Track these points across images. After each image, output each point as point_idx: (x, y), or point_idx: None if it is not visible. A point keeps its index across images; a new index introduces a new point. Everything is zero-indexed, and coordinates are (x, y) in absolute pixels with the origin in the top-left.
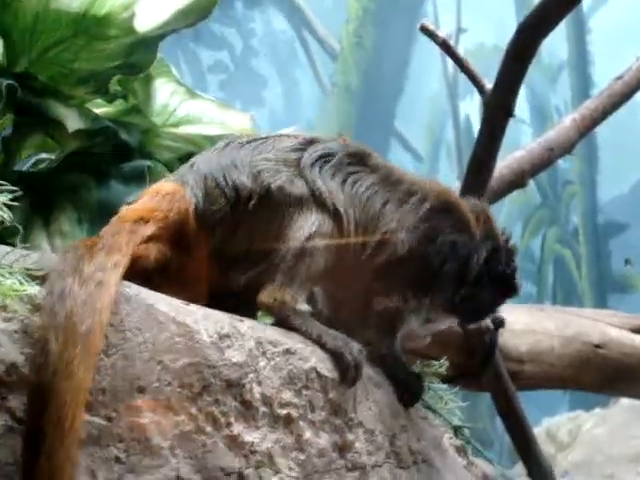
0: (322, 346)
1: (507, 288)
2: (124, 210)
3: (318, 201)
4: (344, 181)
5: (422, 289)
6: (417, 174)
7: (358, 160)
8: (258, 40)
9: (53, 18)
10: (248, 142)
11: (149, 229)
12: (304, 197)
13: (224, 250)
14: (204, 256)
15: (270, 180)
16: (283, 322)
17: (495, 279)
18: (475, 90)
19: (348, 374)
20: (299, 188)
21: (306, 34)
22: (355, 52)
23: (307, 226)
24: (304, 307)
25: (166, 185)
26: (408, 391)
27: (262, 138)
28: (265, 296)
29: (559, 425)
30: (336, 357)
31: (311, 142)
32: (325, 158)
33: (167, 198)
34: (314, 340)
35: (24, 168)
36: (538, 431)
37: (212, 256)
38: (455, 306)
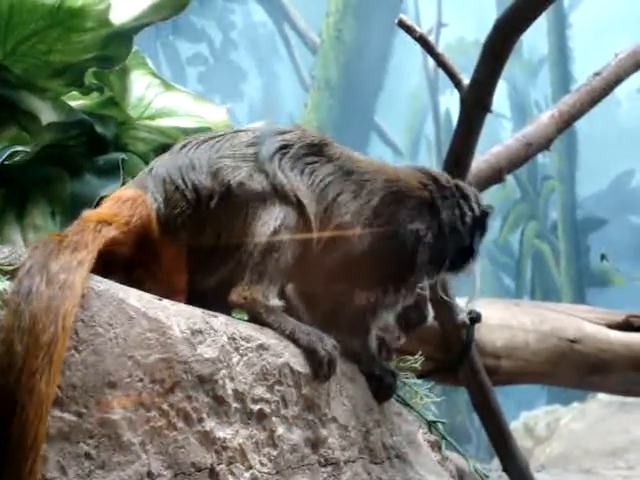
0: (295, 342)
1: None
2: (86, 213)
3: (280, 194)
4: (302, 172)
5: (392, 283)
6: (370, 158)
7: (316, 150)
8: (238, 33)
9: (28, 9)
10: (205, 141)
11: (113, 231)
12: (266, 191)
13: (191, 252)
14: (172, 260)
15: (229, 177)
16: (256, 320)
17: (468, 238)
18: (448, 77)
19: (321, 370)
20: (260, 183)
21: (286, 27)
22: (335, 46)
23: (272, 220)
24: (276, 303)
25: (127, 191)
26: (382, 386)
27: (218, 135)
28: (235, 295)
29: (537, 419)
30: (309, 353)
31: (268, 135)
32: (283, 150)
33: (128, 204)
34: (287, 336)
35: None
36: (516, 425)
37: (180, 259)
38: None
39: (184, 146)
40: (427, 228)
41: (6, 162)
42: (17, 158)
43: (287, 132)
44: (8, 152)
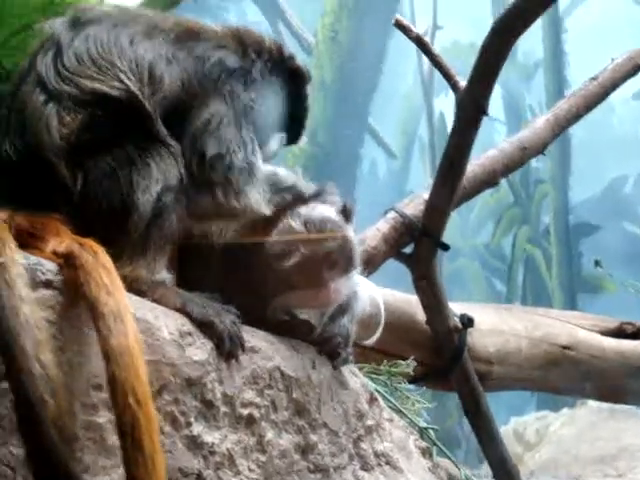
0: (188, 316)
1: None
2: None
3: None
4: (88, 51)
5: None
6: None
7: (78, 24)
8: None
9: (20, 3)
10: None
11: None
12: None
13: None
14: None
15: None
16: (144, 297)
17: (287, 82)
18: (444, 79)
19: (223, 345)
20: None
21: (281, 27)
22: (330, 47)
23: (153, 184)
24: (163, 276)
25: None
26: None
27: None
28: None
29: (526, 425)
30: (206, 327)
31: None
32: (57, 56)
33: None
34: (178, 310)
35: None
36: (505, 430)
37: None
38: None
39: None
40: (228, 57)
41: None
42: None
43: (41, 44)
44: None
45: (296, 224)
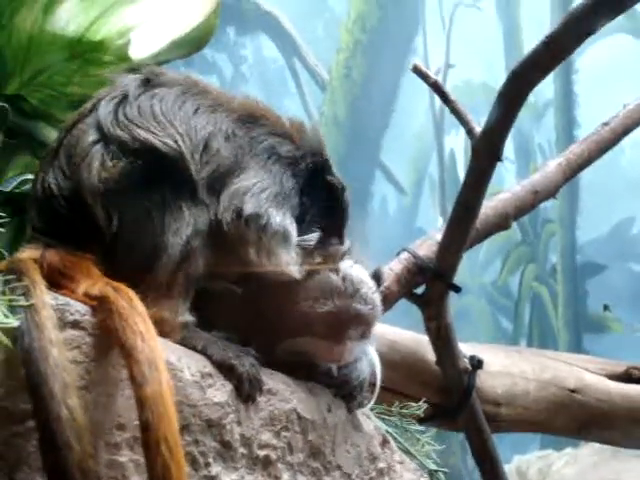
0: (209, 358)
1: (336, 201)
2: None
3: (154, 153)
4: (152, 107)
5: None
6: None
7: (150, 84)
8: (248, 67)
9: (48, 41)
10: (49, 164)
11: None
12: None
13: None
14: None
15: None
16: (168, 339)
17: (324, 191)
18: (460, 125)
19: (242, 387)
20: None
21: (297, 63)
22: (344, 83)
23: (184, 227)
24: (186, 318)
25: None
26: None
27: (52, 153)
28: None
29: (529, 463)
30: (226, 370)
31: (85, 113)
32: (121, 103)
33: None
34: (200, 352)
35: (9, 188)
36: (508, 468)
37: None
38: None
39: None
40: (282, 145)
41: (17, 190)
42: (28, 186)
43: (109, 92)
44: (19, 180)
45: (335, 277)
